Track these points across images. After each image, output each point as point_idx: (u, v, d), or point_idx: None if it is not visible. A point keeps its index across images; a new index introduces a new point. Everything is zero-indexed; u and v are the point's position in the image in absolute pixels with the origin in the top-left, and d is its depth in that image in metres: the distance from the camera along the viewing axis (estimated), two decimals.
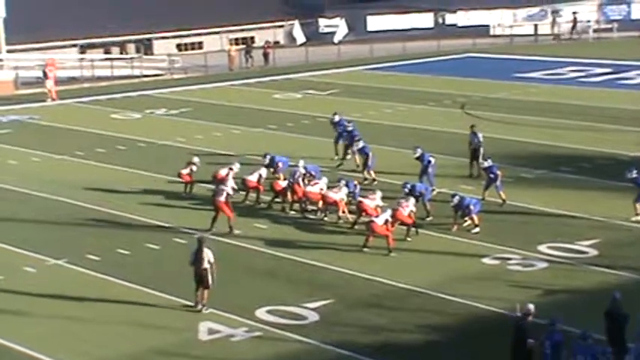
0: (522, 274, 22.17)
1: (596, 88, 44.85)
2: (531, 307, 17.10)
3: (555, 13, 62.92)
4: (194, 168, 29.31)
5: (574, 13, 61.86)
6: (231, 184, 26.03)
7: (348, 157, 31.39)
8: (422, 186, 26.59)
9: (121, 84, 50.95)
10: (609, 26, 62.67)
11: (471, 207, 24.94)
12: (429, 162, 28.40)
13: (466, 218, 25.09)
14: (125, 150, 35.41)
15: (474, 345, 18.35)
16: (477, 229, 24.87)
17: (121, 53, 59.90)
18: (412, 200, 24.90)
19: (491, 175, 27.14)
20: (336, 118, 32.68)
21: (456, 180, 29.24)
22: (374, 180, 29.16)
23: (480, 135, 30.27)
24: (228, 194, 25.40)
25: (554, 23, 61.53)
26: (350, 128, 31.84)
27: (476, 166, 29.59)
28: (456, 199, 25.07)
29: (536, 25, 62.71)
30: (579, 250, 23.54)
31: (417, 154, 28.66)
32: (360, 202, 25.39)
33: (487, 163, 27.55)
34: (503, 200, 26.90)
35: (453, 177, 29.58)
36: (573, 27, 61.35)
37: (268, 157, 29.08)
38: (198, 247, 20.42)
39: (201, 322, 19.87)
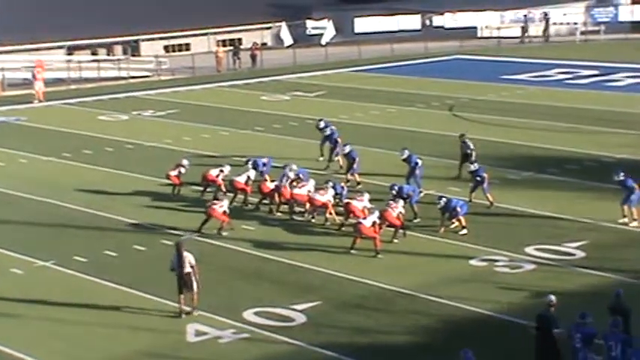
0: (510, 276, 22.22)
1: (584, 90, 44.99)
2: (553, 297, 17.37)
3: (544, 15, 63.09)
4: (182, 170, 29.27)
5: (545, 14, 61.96)
6: (226, 204, 25.69)
7: (336, 158, 31.41)
8: (409, 188, 26.62)
9: (108, 85, 50.87)
10: (597, 28, 62.91)
11: (458, 209, 24.99)
12: (417, 164, 28.44)
13: (453, 220, 25.14)
14: (112, 151, 35.34)
15: (461, 347, 18.32)
16: (464, 231, 24.92)
17: (108, 55, 59.81)
18: (401, 202, 24.94)
19: (478, 178, 27.21)
20: (322, 124, 32.77)
21: (443, 182, 29.27)
22: (358, 183, 29.17)
23: (471, 143, 30.22)
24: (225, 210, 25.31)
25: (547, 25, 61.62)
26: (332, 133, 31.88)
27: (465, 168, 29.61)
28: (442, 202, 25.11)
29: (523, 27, 62.87)
30: (566, 252, 23.60)
31: (405, 156, 28.69)
32: (348, 203, 25.40)
33: (473, 167, 27.66)
34: (491, 203, 26.95)
35: (440, 179, 29.61)
36: (545, 29, 61.43)
37: (250, 162, 28.95)
38: (178, 251, 20.34)
39: (189, 324, 19.85)
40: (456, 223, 25.14)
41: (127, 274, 22.87)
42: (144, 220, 26.84)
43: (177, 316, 20.19)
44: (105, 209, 27.96)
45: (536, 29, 63.03)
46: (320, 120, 33.28)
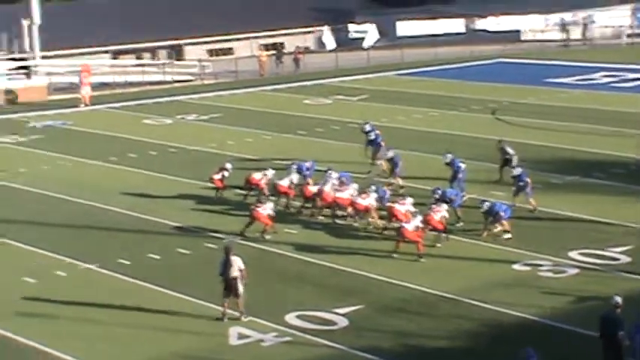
0: (553, 281, 22.05)
1: (629, 94, 44.50)
2: (619, 299, 17.22)
3: (587, 18, 62.60)
4: (226, 174, 29.42)
5: (562, 19, 61.31)
6: (270, 207, 25.62)
7: (378, 162, 31.37)
8: (452, 192, 26.53)
9: (152, 89, 51.27)
10: None
11: (501, 213, 24.85)
12: (459, 167, 28.33)
13: (497, 224, 25.01)
14: (156, 155, 35.61)
15: (504, 351, 18.25)
16: (508, 235, 24.78)
17: (153, 59, 60.27)
18: (444, 206, 24.87)
19: (521, 183, 27.00)
20: (367, 127, 32.69)
21: (485, 185, 29.12)
22: (401, 187, 29.12)
23: (510, 149, 29.95)
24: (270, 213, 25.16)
25: (585, 29, 61.10)
26: (376, 137, 31.85)
27: (506, 172, 29.44)
28: (486, 206, 24.99)
29: (567, 31, 62.38)
30: (611, 257, 23.37)
31: (448, 160, 28.60)
32: (391, 207, 25.37)
33: (516, 171, 27.43)
34: (534, 207, 26.76)
35: (482, 182, 29.46)
36: (566, 33, 60.70)
37: (294, 166, 28.98)
38: (226, 255, 20.36)
39: (231, 327, 19.92)
40: (499, 228, 25.01)
41: (170, 277, 23.01)
42: (187, 224, 27.00)
43: (220, 319, 20.28)
44: (149, 212, 28.17)
45: (581, 32, 62.52)
46: (365, 123, 33.24)
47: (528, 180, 26.96)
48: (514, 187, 27.32)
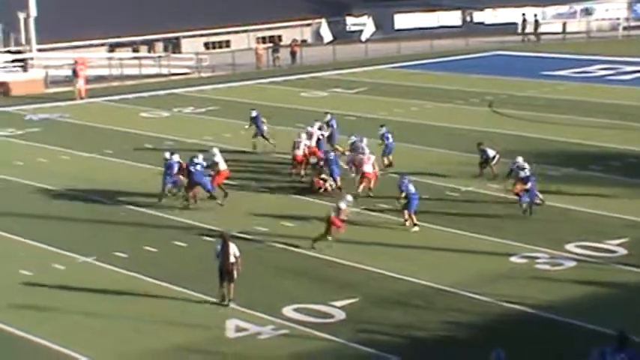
0: (550, 273, 22.07)
1: (626, 86, 44.52)
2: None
3: (585, 10, 62.58)
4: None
5: (523, 14, 61.06)
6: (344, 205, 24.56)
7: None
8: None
9: (149, 82, 51.19)
10: (639, 24, 62.21)
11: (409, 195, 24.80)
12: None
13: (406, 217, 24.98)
14: (154, 148, 35.56)
15: (501, 344, 18.23)
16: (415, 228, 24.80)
17: (149, 52, 60.16)
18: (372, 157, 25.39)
19: (527, 186, 25.88)
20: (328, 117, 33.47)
21: (482, 179, 29.13)
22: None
23: (491, 150, 29.47)
24: (339, 209, 24.29)
25: (537, 25, 60.44)
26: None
27: (487, 169, 29.17)
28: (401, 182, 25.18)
29: (564, 23, 62.34)
30: (608, 249, 23.39)
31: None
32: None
33: (524, 173, 26.24)
34: (542, 201, 26.33)
35: (475, 175, 29.45)
36: (536, 28, 60.43)
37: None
38: (223, 242, 20.59)
39: (229, 320, 19.93)
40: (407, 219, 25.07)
41: (167, 269, 23.01)
42: (184, 217, 26.98)
43: (219, 303, 20.40)
44: (145, 205, 28.14)
45: (578, 24, 62.48)
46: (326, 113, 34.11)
47: (533, 185, 26.03)
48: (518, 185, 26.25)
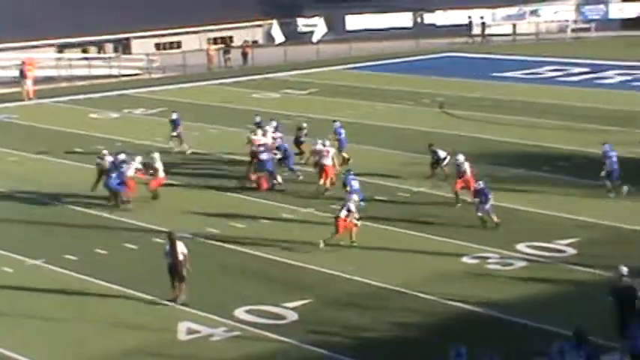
0: (501, 273, 22.23)
1: (574, 88, 45.03)
2: (624, 268, 17.66)
3: (533, 12, 63.29)
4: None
5: (469, 17, 61.66)
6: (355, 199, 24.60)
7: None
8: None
9: (99, 83, 50.77)
10: (587, 26, 63.02)
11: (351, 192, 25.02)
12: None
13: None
14: (103, 149, 35.16)
15: (452, 344, 18.35)
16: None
17: (99, 53, 59.66)
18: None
19: (482, 198, 25.30)
20: (257, 119, 33.50)
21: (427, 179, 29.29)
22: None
23: (442, 151, 29.49)
24: (349, 210, 24.03)
25: (483, 27, 61.06)
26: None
27: (438, 169, 29.28)
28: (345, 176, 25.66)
29: (514, 25, 62.94)
30: (558, 249, 23.61)
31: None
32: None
33: (477, 185, 25.63)
34: (497, 224, 25.15)
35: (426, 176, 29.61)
36: (482, 30, 60.99)
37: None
38: (171, 241, 20.61)
39: (180, 322, 19.81)
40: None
41: (118, 272, 22.81)
42: (134, 219, 26.77)
43: (172, 300, 20.41)
44: (95, 207, 27.88)
45: (527, 26, 63.12)
46: (256, 115, 34.29)
47: (490, 197, 25.37)
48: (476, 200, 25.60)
